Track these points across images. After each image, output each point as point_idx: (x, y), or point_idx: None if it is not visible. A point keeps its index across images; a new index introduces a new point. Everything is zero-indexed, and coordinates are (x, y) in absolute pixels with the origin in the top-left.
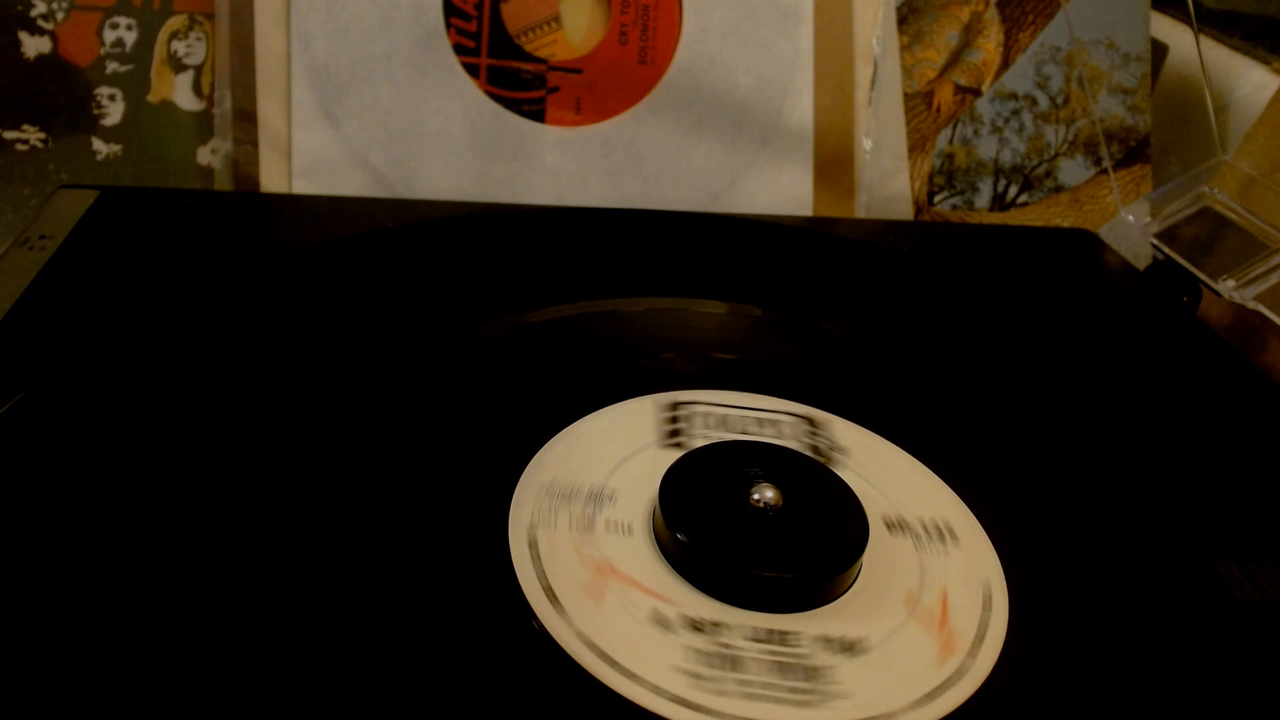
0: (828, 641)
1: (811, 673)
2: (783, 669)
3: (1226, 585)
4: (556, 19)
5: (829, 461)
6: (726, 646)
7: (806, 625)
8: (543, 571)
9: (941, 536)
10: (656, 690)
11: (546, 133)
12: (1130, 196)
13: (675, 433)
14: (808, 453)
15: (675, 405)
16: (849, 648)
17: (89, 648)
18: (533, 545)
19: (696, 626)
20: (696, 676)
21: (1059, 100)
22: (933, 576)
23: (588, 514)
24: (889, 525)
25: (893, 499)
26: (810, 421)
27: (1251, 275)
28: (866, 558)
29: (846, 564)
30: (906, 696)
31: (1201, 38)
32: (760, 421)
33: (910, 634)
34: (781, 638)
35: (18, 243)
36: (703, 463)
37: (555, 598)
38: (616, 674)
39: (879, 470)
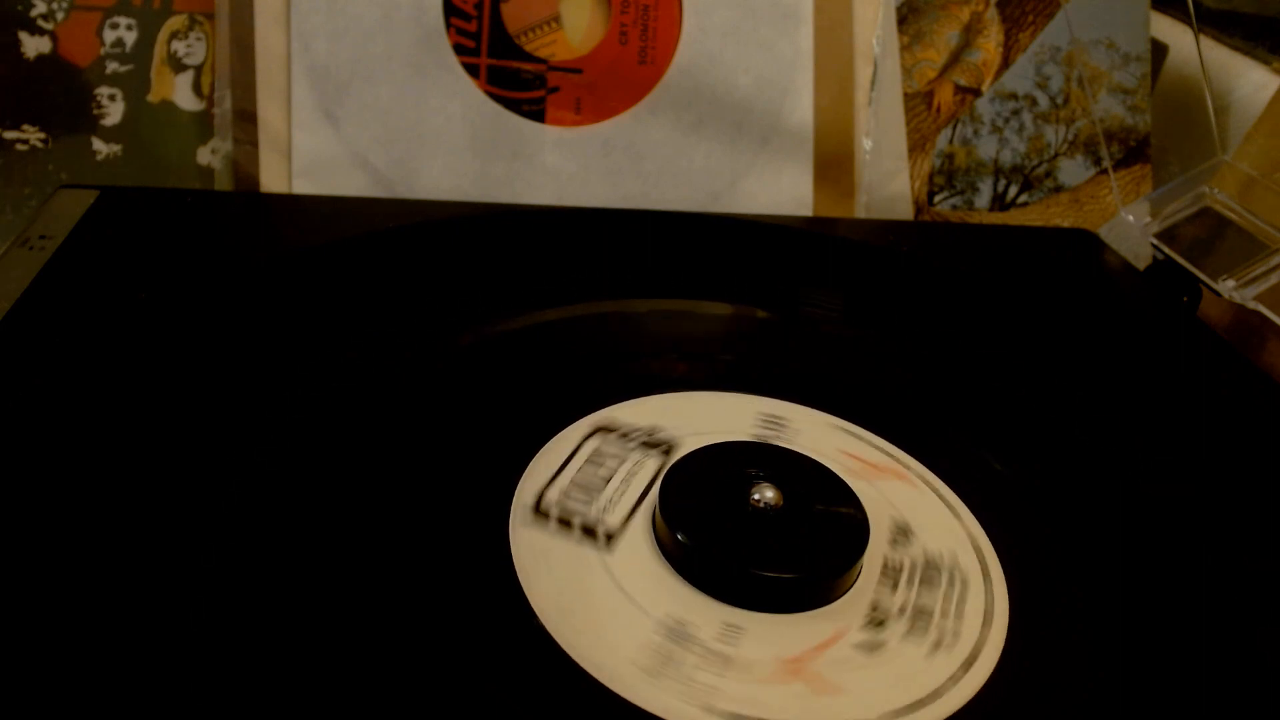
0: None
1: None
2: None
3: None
4: (556, 19)
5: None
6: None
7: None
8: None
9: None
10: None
11: (546, 133)
12: (1130, 196)
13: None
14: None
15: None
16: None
17: (89, 648)
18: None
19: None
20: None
21: (1059, 100)
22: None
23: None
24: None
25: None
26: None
27: (1251, 275)
28: (866, 559)
29: (847, 565)
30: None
31: (1201, 38)
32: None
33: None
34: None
35: (18, 243)
36: (703, 463)
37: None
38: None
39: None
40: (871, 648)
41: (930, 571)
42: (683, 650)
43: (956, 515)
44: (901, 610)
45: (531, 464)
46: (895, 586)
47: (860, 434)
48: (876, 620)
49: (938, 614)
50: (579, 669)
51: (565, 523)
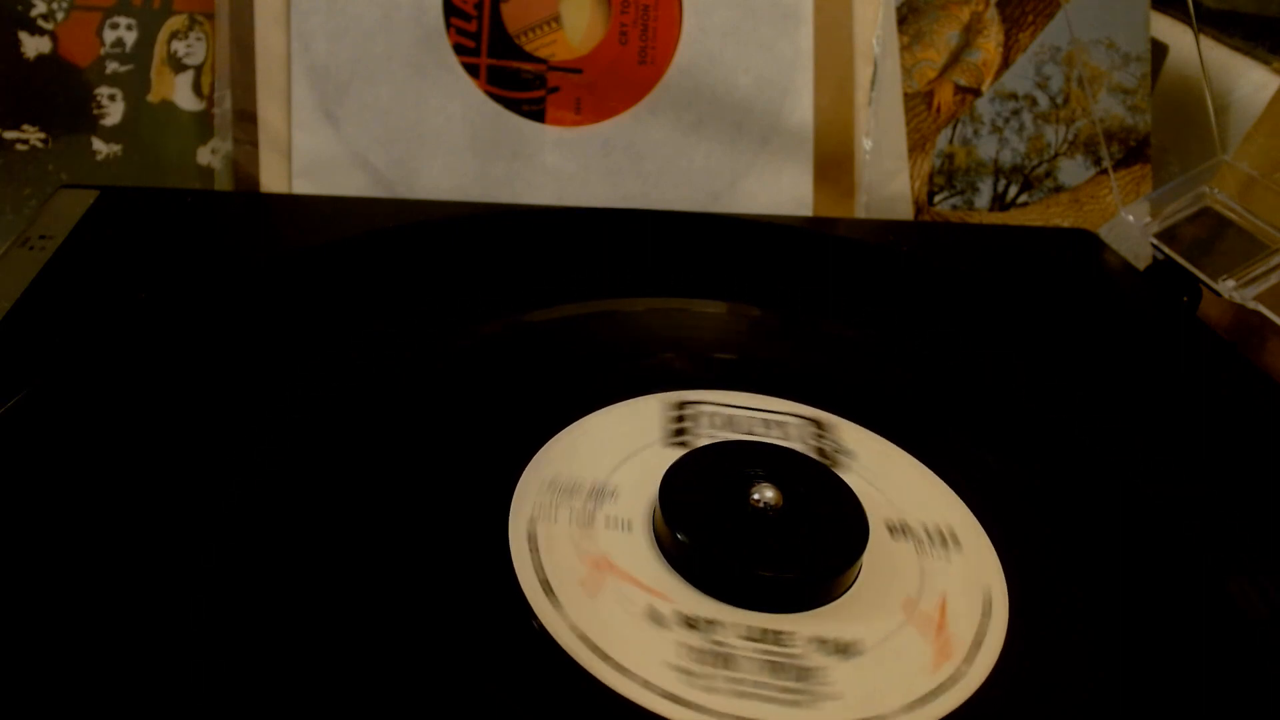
0: (821, 643)
1: (804, 673)
2: (775, 668)
3: (1237, 601)
4: (556, 19)
5: (834, 464)
6: (719, 644)
7: (801, 625)
8: (540, 566)
9: (944, 542)
10: (647, 685)
11: (546, 133)
12: (1130, 196)
13: (680, 431)
14: (813, 455)
15: (682, 405)
16: (843, 649)
17: (89, 648)
18: (531, 540)
19: (690, 624)
20: (688, 673)
21: (1059, 100)
22: (933, 581)
23: (588, 509)
24: (891, 529)
25: (897, 503)
26: (817, 424)
27: (1251, 275)
28: (867, 560)
29: (846, 564)
30: (899, 700)
31: (1201, 38)
32: (766, 423)
33: (906, 638)
34: (775, 637)
35: (18, 243)
36: (703, 463)
37: (552, 591)
38: (609, 668)
39: (884, 474)
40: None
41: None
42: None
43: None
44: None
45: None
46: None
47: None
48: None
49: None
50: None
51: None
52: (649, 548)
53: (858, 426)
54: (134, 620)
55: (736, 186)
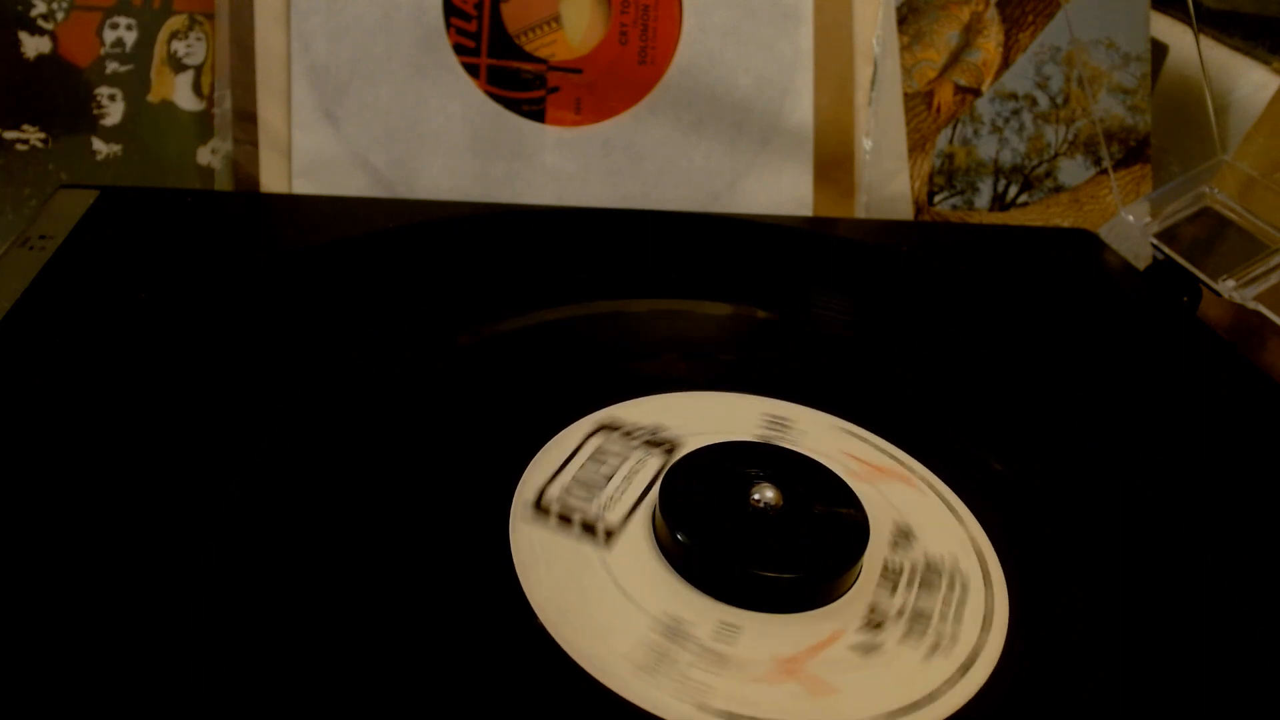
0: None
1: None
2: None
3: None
4: (556, 19)
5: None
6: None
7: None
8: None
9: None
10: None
11: (546, 133)
12: (1130, 196)
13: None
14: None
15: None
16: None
17: (89, 648)
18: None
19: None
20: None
21: (1059, 100)
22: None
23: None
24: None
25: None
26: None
27: (1251, 275)
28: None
29: (845, 565)
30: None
31: (1201, 38)
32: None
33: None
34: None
35: (18, 243)
36: (703, 463)
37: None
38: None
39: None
40: (868, 649)
41: (930, 574)
42: (678, 648)
43: (958, 518)
44: (900, 612)
45: (533, 461)
46: (894, 589)
47: (863, 435)
48: (874, 622)
49: (936, 617)
50: (575, 665)
51: (565, 519)
52: (649, 547)
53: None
54: (134, 620)
55: (736, 186)
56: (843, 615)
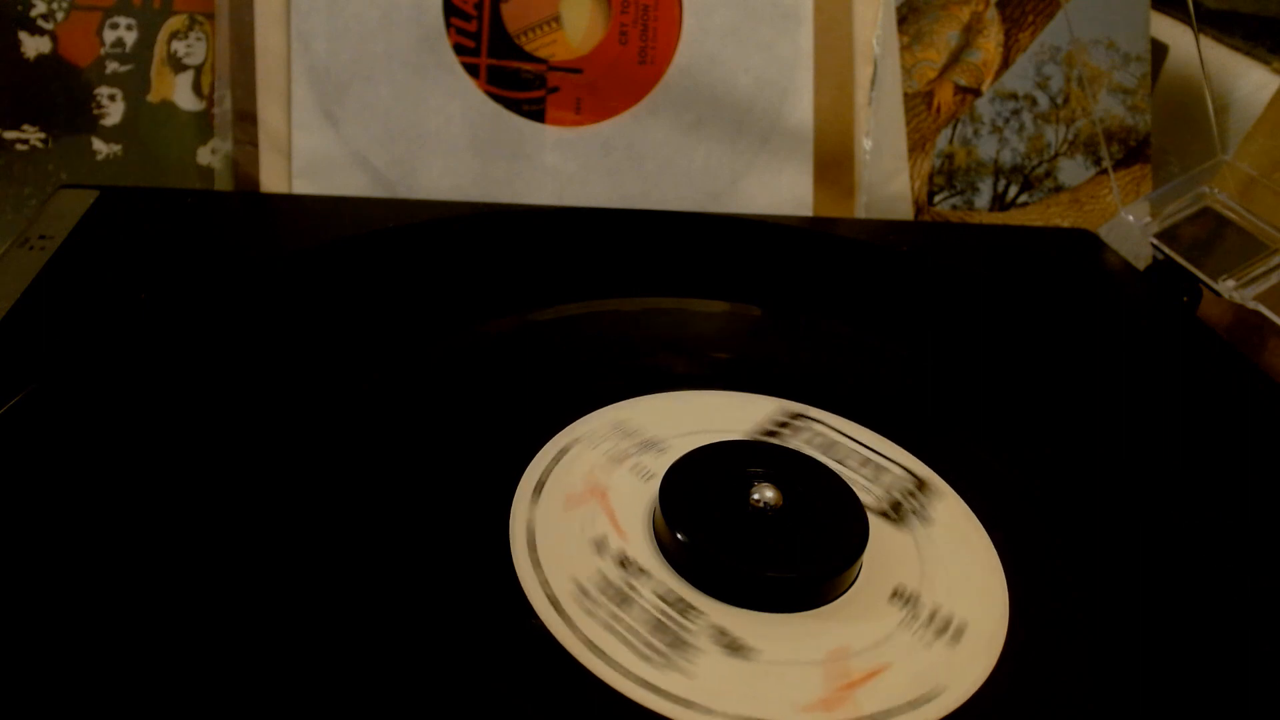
0: (721, 633)
1: (679, 643)
2: (658, 627)
3: None
4: (556, 19)
5: (897, 520)
6: (630, 588)
7: (720, 613)
8: (540, 567)
9: (953, 636)
10: (544, 584)
11: (546, 133)
12: (1130, 196)
13: (772, 434)
14: (887, 507)
15: (795, 415)
16: (735, 648)
17: (89, 647)
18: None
19: (623, 563)
20: (584, 593)
21: (1059, 100)
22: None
23: (628, 451)
24: (897, 595)
25: (931, 583)
26: (917, 482)
27: (1251, 275)
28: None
29: (845, 564)
30: (732, 708)
31: (1201, 38)
32: (864, 461)
33: (810, 674)
34: (684, 607)
35: (18, 243)
36: (703, 463)
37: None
38: (527, 559)
39: (942, 556)
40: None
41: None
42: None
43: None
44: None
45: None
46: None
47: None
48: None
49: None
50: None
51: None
52: (648, 546)
53: (961, 501)
54: (134, 620)
55: (736, 186)
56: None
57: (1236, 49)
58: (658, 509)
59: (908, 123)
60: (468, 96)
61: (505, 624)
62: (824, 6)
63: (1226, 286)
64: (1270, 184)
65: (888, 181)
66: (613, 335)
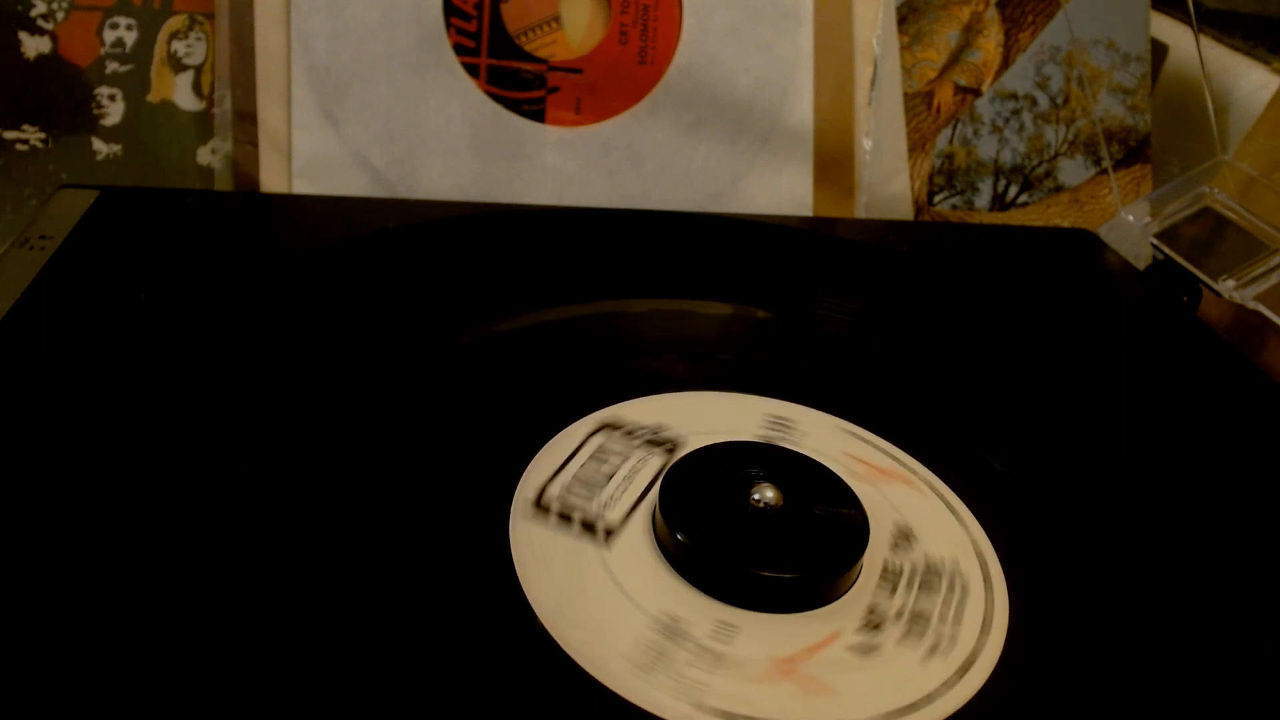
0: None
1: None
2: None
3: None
4: (556, 19)
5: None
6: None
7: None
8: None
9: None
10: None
11: (546, 133)
12: (1130, 196)
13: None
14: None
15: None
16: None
17: (89, 647)
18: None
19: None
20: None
21: (1059, 100)
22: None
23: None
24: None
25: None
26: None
27: (1251, 275)
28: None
29: (845, 566)
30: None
31: (1201, 38)
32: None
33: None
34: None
35: (18, 243)
36: (704, 462)
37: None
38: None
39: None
40: (866, 650)
41: (930, 576)
42: (675, 647)
43: (959, 519)
44: (899, 614)
45: (535, 459)
46: (894, 590)
47: (865, 436)
48: (873, 623)
49: (935, 619)
50: (572, 662)
51: (565, 517)
52: (649, 546)
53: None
54: (135, 620)
55: (736, 186)
56: (841, 616)
57: (1236, 49)
58: (658, 509)
59: (908, 123)
60: (468, 96)
61: (505, 623)
62: (824, 6)
63: (1226, 286)
64: (1270, 184)
65: (888, 181)
66: (613, 335)
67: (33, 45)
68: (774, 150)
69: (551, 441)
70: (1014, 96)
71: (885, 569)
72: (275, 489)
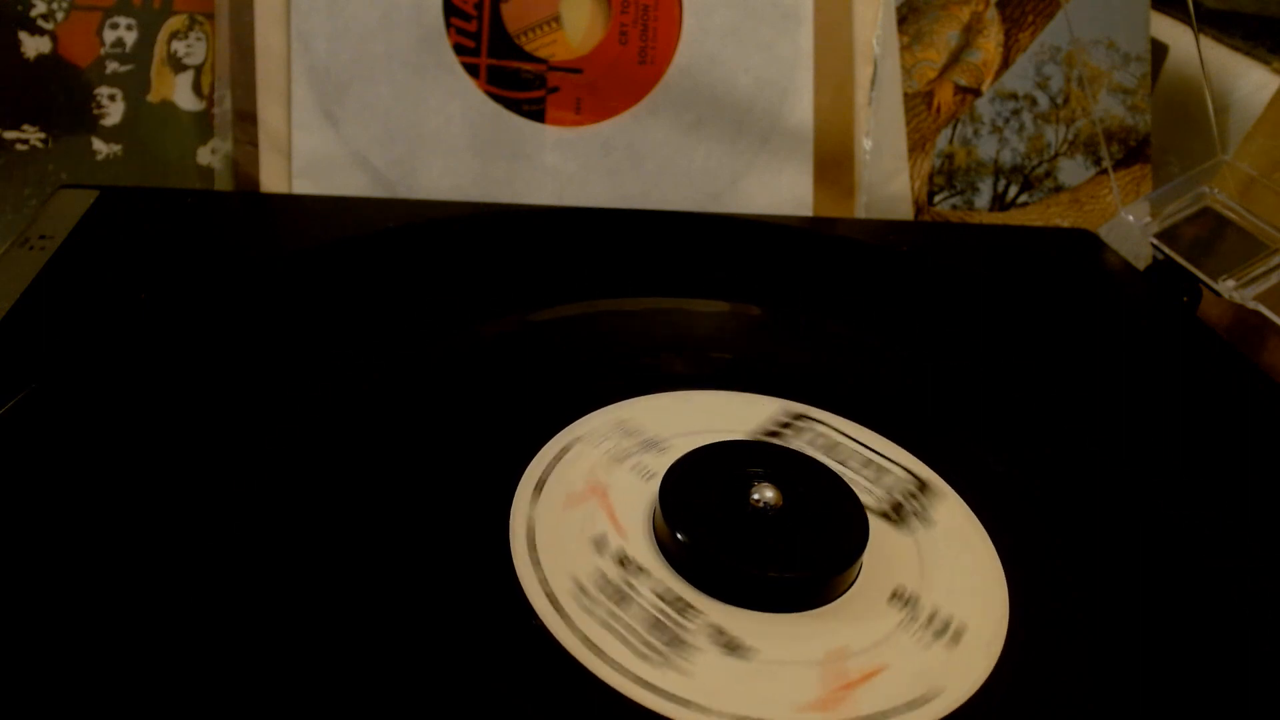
0: (719, 632)
1: (676, 642)
2: (655, 625)
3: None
4: (556, 19)
5: (897, 522)
6: (629, 586)
7: (718, 613)
8: (539, 566)
9: (952, 637)
10: (543, 582)
11: (546, 133)
12: (1130, 196)
13: (774, 434)
14: (888, 509)
15: (796, 416)
16: (733, 647)
17: (89, 647)
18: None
19: (622, 562)
20: (582, 591)
21: (1059, 100)
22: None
23: (628, 450)
24: (897, 595)
25: (930, 586)
26: (919, 483)
27: (1251, 275)
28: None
29: (845, 564)
30: (731, 707)
31: (1201, 38)
32: (866, 462)
33: (807, 674)
34: (682, 606)
35: (18, 243)
36: (703, 463)
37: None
38: (526, 555)
39: (941, 558)
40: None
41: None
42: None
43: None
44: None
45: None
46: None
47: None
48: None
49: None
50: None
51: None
52: (648, 545)
53: (962, 503)
54: (135, 620)
55: (736, 186)
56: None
57: (1236, 49)
58: (658, 509)
59: (908, 123)
60: (468, 96)
61: (505, 622)
62: (824, 6)
63: (1226, 286)
64: (1270, 184)
65: (888, 181)
66: (613, 335)
67: (33, 45)
68: (774, 150)
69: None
70: (1014, 96)
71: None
72: (275, 489)
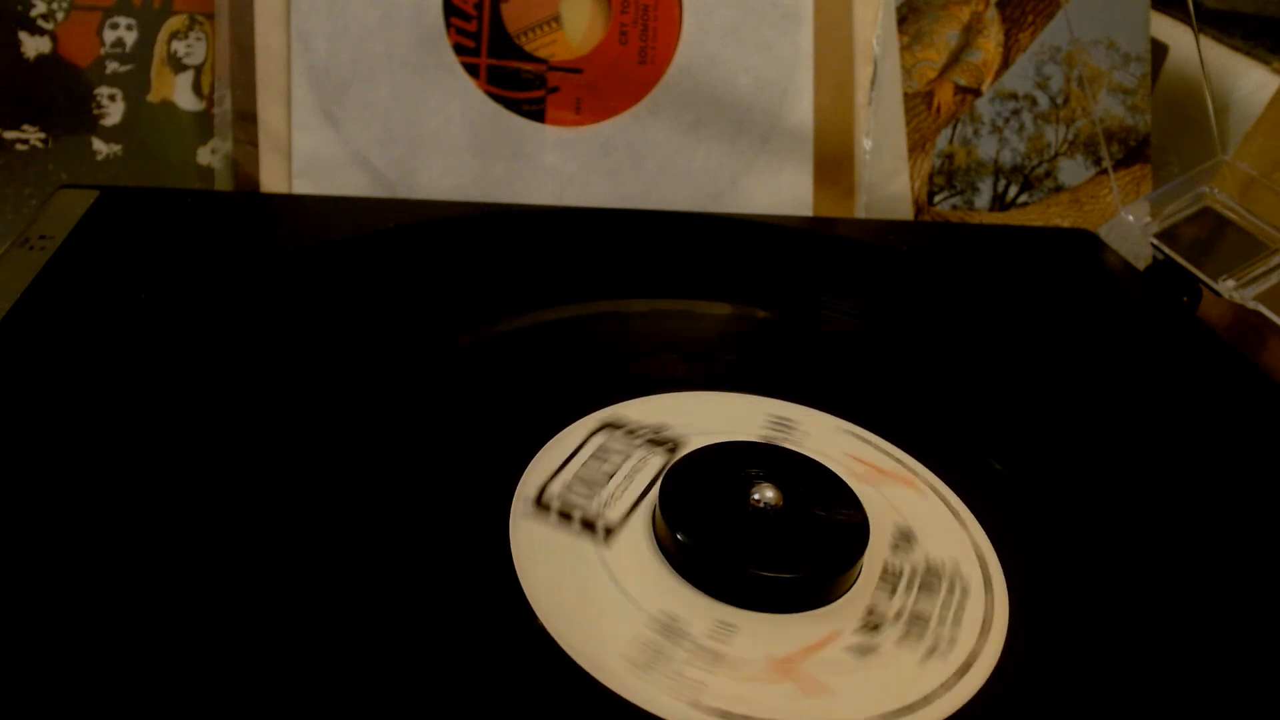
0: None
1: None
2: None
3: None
4: (556, 19)
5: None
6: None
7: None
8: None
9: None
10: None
11: (546, 133)
12: (1130, 196)
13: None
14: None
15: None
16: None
17: (89, 647)
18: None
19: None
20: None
21: (1059, 100)
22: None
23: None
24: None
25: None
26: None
27: (1251, 275)
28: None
29: (844, 566)
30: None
31: (1201, 38)
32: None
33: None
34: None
35: (18, 243)
36: (703, 462)
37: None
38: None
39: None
40: (864, 651)
41: (930, 577)
42: (673, 645)
43: (960, 521)
44: (898, 615)
45: (535, 458)
46: (893, 591)
47: (867, 437)
48: (871, 624)
49: (935, 620)
50: (571, 662)
51: (566, 516)
52: (648, 545)
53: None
54: (135, 620)
55: (736, 186)
56: (840, 616)
57: (1236, 49)
58: (658, 509)
59: (908, 123)
60: (468, 96)
61: (505, 623)
62: (824, 6)
63: (1226, 286)
64: (1270, 184)
65: (888, 181)
66: (613, 335)
67: (33, 45)
68: (774, 150)
69: (552, 440)
70: (1014, 96)
71: (885, 570)
72: (275, 488)
